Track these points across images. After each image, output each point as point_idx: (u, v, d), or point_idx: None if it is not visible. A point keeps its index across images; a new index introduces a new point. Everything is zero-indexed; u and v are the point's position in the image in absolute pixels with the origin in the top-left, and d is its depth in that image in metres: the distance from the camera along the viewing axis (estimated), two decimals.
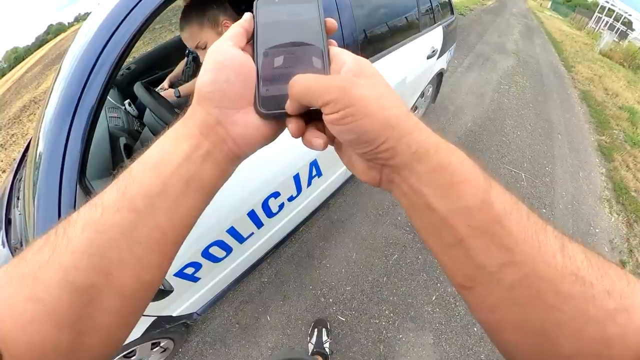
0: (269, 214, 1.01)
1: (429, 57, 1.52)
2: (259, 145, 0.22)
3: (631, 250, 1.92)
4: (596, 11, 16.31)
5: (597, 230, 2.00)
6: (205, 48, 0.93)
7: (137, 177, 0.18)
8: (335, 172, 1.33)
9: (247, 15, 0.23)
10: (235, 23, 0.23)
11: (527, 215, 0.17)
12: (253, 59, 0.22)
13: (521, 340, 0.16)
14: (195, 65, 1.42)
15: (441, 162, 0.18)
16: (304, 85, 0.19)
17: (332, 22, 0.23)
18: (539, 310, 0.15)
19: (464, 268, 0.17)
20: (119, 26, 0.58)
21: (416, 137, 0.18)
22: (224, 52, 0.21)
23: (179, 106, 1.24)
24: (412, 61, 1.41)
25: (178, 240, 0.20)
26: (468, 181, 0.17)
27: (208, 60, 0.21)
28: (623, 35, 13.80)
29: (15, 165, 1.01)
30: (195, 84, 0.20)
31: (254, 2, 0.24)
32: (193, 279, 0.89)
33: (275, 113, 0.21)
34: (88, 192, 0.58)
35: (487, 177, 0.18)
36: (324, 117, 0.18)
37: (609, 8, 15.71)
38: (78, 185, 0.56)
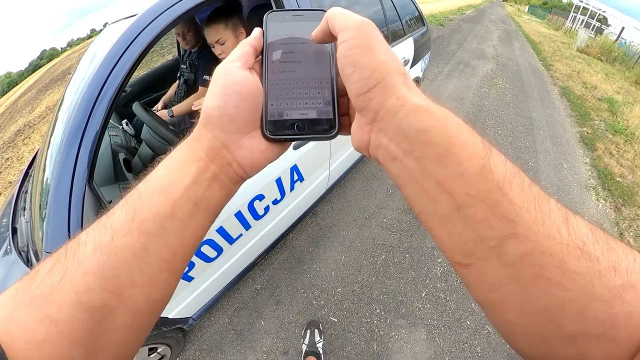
0: (256, 216, 1.08)
1: None
2: (263, 167, 0.23)
3: (621, 233, 1.94)
4: (571, 11, 16.93)
5: (585, 218, 2.06)
6: (223, 44, 1.12)
7: (145, 200, 0.19)
8: (317, 178, 1.40)
9: (256, 32, 0.23)
10: (244, 41, 0.23)
11: (529, 185, 0.16)
12: (260, 78, 0.22)
13: (523, 320, 0.15)
14: (186, 88, 1.52)
15: (434, 123, 0.16)
16: (340, 11, 0.21)
17: None
18: (542, 288, 0.14)
19: (462, 242, 0.16)
20: (120, 58, 0.68)
21: (404, 92, 0.17)
22: (231, 76, 0.21)
23: (173, 124, 1.35)
24: None
25: (187, 257, 0.20)
26: (465, 145, 0.16)
27: (215, 83, 0.21)
28: (599, 31, 14.27)
29: (20, 179, 1.08)
30: (202, 105, 0.21)
31: (264, 16, 0.24)
32: (187, 277, 0.94)
33: (281, 137, 0.21)
34: (94, 192, 0.67)
35: (486, 143, 0.17)
36: (339, 48, 0.20)
37: (583, 7, 16.26)
38: (87, 186, 0.66)
